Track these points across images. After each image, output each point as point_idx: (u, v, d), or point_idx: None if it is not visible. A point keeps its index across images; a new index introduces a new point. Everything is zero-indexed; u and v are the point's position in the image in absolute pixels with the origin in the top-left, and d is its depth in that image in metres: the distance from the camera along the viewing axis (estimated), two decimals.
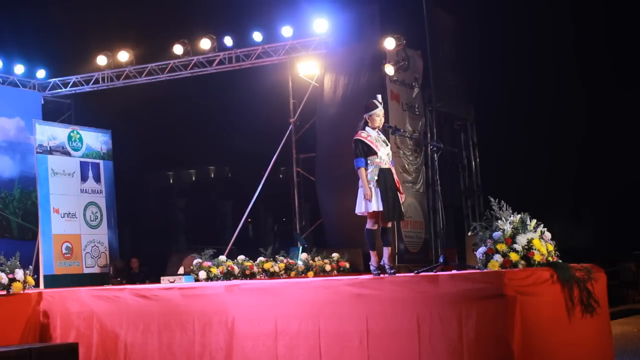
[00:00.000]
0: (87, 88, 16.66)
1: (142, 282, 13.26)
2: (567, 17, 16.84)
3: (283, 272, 11.58)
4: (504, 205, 6.74)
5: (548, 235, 6.70)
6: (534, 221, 6.69)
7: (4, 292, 8.07)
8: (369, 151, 7.38)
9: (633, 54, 16.72)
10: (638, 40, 16.48)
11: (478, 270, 6.58)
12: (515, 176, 16.78)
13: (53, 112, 17.01)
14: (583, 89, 17.42)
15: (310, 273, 11.91)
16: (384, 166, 7.40)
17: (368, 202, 7.28)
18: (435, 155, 7.79)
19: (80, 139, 13.99)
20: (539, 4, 16.62)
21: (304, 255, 12.22)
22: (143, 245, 19.13)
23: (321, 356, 6.77)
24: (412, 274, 6.97)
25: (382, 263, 7.46)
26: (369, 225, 7.45)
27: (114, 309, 7.98)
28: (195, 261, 10.70)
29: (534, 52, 16.88)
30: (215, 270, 10.52)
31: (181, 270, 11.53)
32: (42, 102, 16.75)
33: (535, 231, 6.62)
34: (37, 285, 9.94)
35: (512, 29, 16.59)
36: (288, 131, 15.32)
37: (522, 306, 5.95)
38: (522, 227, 6.59)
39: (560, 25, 16.98)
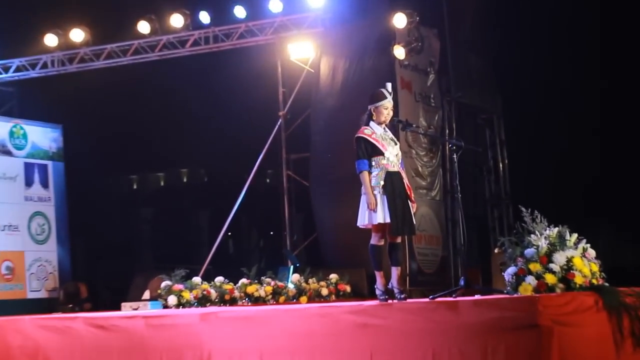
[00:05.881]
0: (33, 73, 16.62)
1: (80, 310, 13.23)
2: None
3: (270, 297, 11.64)
4: (538, 216, 6.76)
5: (592, 252, 6.72)
6: (575, 235, 6.72)
7: None
8: (374, 151, 7.40)
9: None
10: None
11: (507, 296, 6.61)
12: (551, 181, 16.70)
13: None
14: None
15: (304, 298, 11.96)
16: (391, 169, 7.42)
17: (372, 212, 7.30)
18: (455, 156, 7.81)
19: (25, 136, 13.99)
20: None
21: (295, 277, 12.24)
22: (101, 265, 19.08)
23: None
24: (427, 300, 7.02)
25: (390, 286, 7.48)
26: (374, 240, 7.47)
27: (64, 343, 7.97)
28: (163, 284, 10.73)
29: (577, 29, 16.58)
30: (187, 295, 10.57)
31: (146, 294, 11.57)
32: None
33: (576, 248, 6.65)
34: None
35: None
36: (277, 126, 15.32)
37: (560, 339, 5.96)
38: (560, 243, 6.62)
39: None
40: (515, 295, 6.51)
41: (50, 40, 16.17)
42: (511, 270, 6.68)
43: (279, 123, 15.37)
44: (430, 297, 7.23)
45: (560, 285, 6.49)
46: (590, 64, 16.78)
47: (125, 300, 11.37)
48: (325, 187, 14.31)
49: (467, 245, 7.96)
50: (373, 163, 7.42)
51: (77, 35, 16.06)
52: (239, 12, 15.27)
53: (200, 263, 14.67)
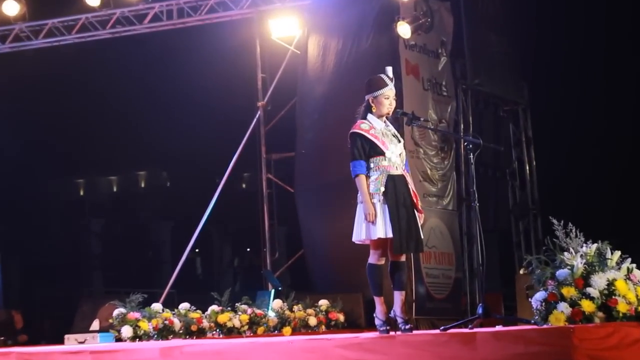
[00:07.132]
0: None
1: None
2: None
3: (246, 327, 11.64)
4: (572, 230, 6.75)
5: (638, 274, 6.70)
6: (617, 253, 6.70)
7: None
8: (373, 150, 7.40)
9: None
10: None
11: (534, 326, 6.59)
12: (589, 187, 16.73)
13: None
14: None
15: (287, 329, 11.96)
16: (394, 172, 7.41)
17: (371, 225, 7.28)
18: (472, 156, 7.78)
19: None
20: None
21: (277, 303, 12.22)
22: (39, 289, 19.07)
23: None
24: (437, 332, 6.99)
25: (392, 315, 7.47)
26: (372, 259, 7.46)
27: None
28: (116, 312, 10.71)
29: (617, 5, 16.72)
30: (145, 326, 10.55)
31: (95, 324, 11.56)
32: None
33: (620, 269, 6.63)
34: None
35: None
36: (255, 120, 15.32)
37: None
38: (599, 263, 6.61)
39: None
40: (544, 326, 6.49)
41: None
42: (540, 295, 6.66)
43: (257, 115, 15.36)
44: (442, 328, 7.20)
45: (600, 313, 6.48)
46: (630, 43, 16.78)
47: (69, 332, 11.33)
48: (313, 194, 14.30)
49: (487, 265, 7.91)
50: (372, 165, 7.39)
51: (11, 7, 15.97)
52: None
53: (161, 286, 14.66)
